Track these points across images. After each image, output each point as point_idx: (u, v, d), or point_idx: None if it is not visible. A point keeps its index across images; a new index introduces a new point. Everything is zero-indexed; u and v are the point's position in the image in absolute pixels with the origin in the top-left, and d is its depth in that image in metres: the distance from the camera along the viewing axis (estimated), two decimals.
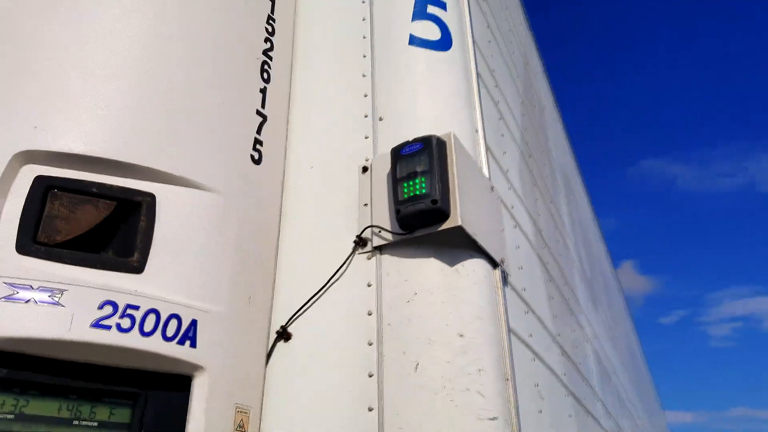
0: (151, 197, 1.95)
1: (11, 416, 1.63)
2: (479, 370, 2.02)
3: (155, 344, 1.79)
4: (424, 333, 2.04)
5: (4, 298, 1.65)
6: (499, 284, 2.28)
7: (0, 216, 1.74)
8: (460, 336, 2.05)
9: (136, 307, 1.79)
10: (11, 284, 1.66)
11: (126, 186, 1.92)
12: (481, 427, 1.93)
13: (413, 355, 2.01)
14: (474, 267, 2.18)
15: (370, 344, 2.07)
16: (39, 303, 1.68)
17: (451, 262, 2.14)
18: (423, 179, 2.08)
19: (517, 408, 2.12)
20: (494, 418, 1.97)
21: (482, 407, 1.96)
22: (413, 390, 1.98)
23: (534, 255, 3.22)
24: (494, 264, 2.28)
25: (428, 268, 2.13)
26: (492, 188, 2.48)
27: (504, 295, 2.28)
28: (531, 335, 2.63)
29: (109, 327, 1.73)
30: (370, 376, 2.03)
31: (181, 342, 1.83)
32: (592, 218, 6.94)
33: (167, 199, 1.96)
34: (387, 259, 2.16)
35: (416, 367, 2.00)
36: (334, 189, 2.41)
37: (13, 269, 1.69)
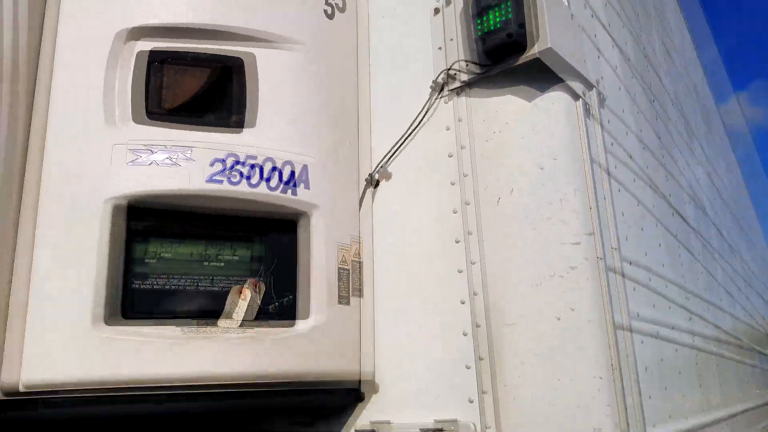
0: (252, 57, 2.10)
1: (154, 261, 1.95)
2: (561, 200, 2.13)
3: (263, 192, 2.02)
4: (505, 167, 2.16)
5: (130, 162, 1.91)
6: (581, 116, 2.30)
7: (115, 90, 1.96)
8: (540, 168, 2.14)
9: (242, 162, 2.00)
10: (134, 150, 1.91)
11: (226, 50, 2.07)
12: (565, 251, 2.07)
13: (495, 190, 2.15)
14: (555, 99, 2.21)
15: (453, 184, 2.21)
16: (160, 164, 1.93)
17: (531, 97, 2.18)
18: (500, 11, 2.07)
19: (600, 233, 2.23)
20: (577, 243, 2.10)
21: (565, 233, 2.09)
22: (498, 221, 2.13)
23: (620, 85, 3.15)
24: (576, 96, 2.30)
25: (508, 104, 2.19)
26: (572, 16, 2.42)
27: (586, 127, 2.31)
28: (616, 167, 2.67)
29: (220, 180, 1.97)
30: (455, 212, 2.20)
31: (284, 190, 2.06)
32: (690, 44, 6.46)
33: (265, 59, 2.11)
34: (465, 100, 2.24)
35: (498, 201, 2.14)
36: (408, 34, 2.44)
37: (134, 137, 1.93)
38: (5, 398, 1.73)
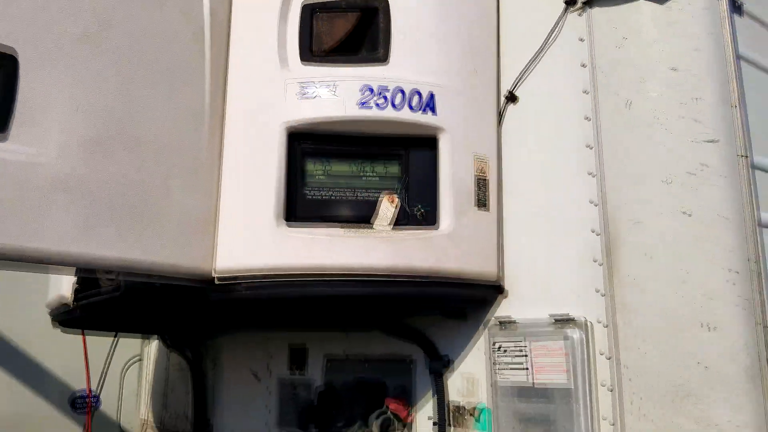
0: (386, 1, 2.42)
1: (321, 176, 2.38)
2: (695, 99, 2.12)
3: (405, 114, 2.34)
4: (634, 71, 2.20)
5: (299, 95, 2.35)
6: (726, 13, 2.23)
7: (286, 39, 2.41)
8: (672, 69, 2.15)
9: (387, 89, 2.34)
10: (301, 84, 2.35)
11: None
12: (699, 149, 2.08)
13: (625, 94, 2.21)
14: (690, 0, 2.18)
15: (586, 92, 2.31)
16: (322, 96, 2.34)
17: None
18: None
19: (745, 132, 2.17)
20: (714, 141, 2.09)
21: (699, 131, 2.09)
22: (627, 127, 2.20)
23: None
24: None
25: (638, 10, 2.22)
26: None
27: (732, 23, 2.23)
28: None
29: (369, 106, 2.32)
30: (587, 119, 2.30)
31: (424, 110, 2.35)
32: None
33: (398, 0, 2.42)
34: (596, 11, 2.31)
35: (628, 104, 2.20)
36: None
37: (301, 74, 2.37)
38: (218, 282, 2.30)
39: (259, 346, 3.81)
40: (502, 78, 2.59)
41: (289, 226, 2.27)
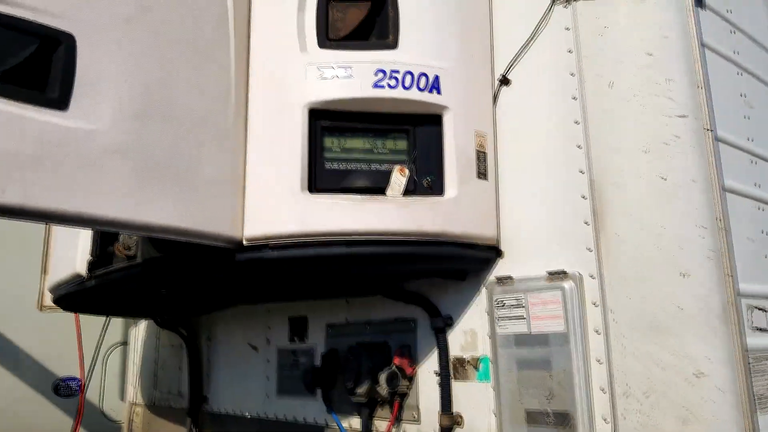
0: None
1: (339, 150, 2.63)
2: (667, 80, 2.46)
3: (414, 94, 2.61)
4: (615, 56, 2.53)
5: (318, 77, 2.59)
6: (691, 5, 2.58)
7: (304, 26, 2.64)
8: (648, 54, 2.49)
9: (398, 71, 2.60)
10: (319, 67, 2.59)
11: None
12: (670, 123, 2.42)
13: (607, 76, 2.53)
14: None
15: (572, 75, 2.63)
16: (339, 78, 2.59)
17: None
18: None
19: (710, 109, 2.53)
20: (683, 116, 2.43)
21: (671, 107, 2.43)
22: (609, 105, 2.53)
23: None
24: None
25: (615, 3, 2.56)
26: None
27: (696, 15, 2.59)
28: (737, 52, 2.87)
29: (383, 86, 2.58)
30: (574, 99, 2.62)
31: (431, 91, 2.63)
32: None
33: None
34: (580, 3, 2.63)
35: (610, 84, 2.53)
36: None
37: (319, 58, 2.61)
38: (247, 244, 2.52)
39: (256, 318, 4.01)
40: (495, 63, 2.89)
41: (312, 195, 2.51)
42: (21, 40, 1.84)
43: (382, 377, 2.93)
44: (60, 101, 1.93)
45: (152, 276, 2.90)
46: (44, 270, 4.21)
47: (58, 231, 3.93)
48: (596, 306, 2.46)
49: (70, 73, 2.01)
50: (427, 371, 2.98)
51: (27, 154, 1.83)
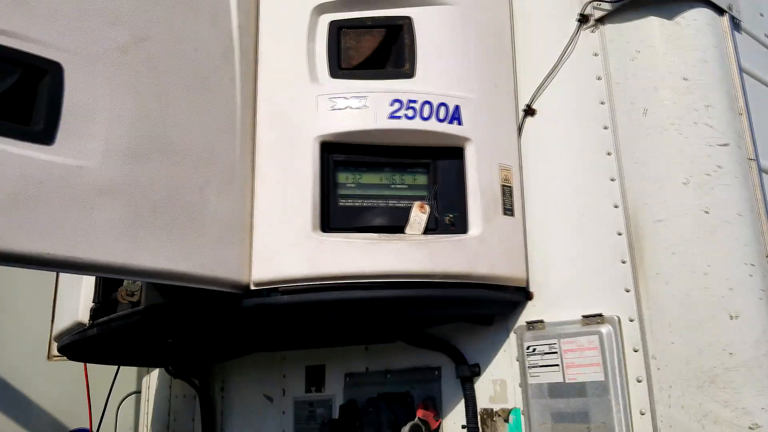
0: (409, 19, 2.55)
1: (353, 185, 2.47)
2: (706, 106, 2.28)
3: (433, 125, 2.45)
4: (649, 83, 2.36)
5: (330, 108, 2.44)
6: (728, 29, 2.42)
7: (315, 55, 2.52)
8: (684, 79, 2.31)
9: (415, 101, 2.45)
10: (331, 98, 2.45)
11: (390, 14, 2.54)
12: (711, 152, 2.23)
13: (641, 103, 2.36)
14: (695, 16, 2.36)
15: (602, 103, 2.46)
16: (353, 108, 2.44)
17: (671, 15, 2.36)
18: None
19: (753, 138, 2.34)
20: (725, 144, 2.24)
21: (711, 135, 2.25)
22: (644, 133, 2.35)
23: None
24: (720, 11, 2.42)
25: (648, 26, 2.39)
26: None
27: (733, 39, 2.43)
28: None
29: (399, 117, 2.43)
30: (605, 128, 2.44)
31: (451, 121, 2.47)
32: None
33: (420, 18, 2.55)
34: (609, 27, 2.48)
35: (644, 112, 2.35)
36: None
37: (331, 88, 2.47)
38: (255, 289, 2.35)
39: (271, 367, 3.80)
40: (519, 93, 2.73)
41: (326, 234, 2.34)
42: (2, 69, 1.72)
43: (405, 431, 2.70)
44: (45, 135, 1.78)
45: (154, 324, 2.73)
46: (53, 318, 4.07)
47: (64, 277, 3.80)
48: (636, 352, 2.23)
49: (57, 104, 1.87)
50: (453, 423, 2.75)
51: (7, 192, 1.69)
